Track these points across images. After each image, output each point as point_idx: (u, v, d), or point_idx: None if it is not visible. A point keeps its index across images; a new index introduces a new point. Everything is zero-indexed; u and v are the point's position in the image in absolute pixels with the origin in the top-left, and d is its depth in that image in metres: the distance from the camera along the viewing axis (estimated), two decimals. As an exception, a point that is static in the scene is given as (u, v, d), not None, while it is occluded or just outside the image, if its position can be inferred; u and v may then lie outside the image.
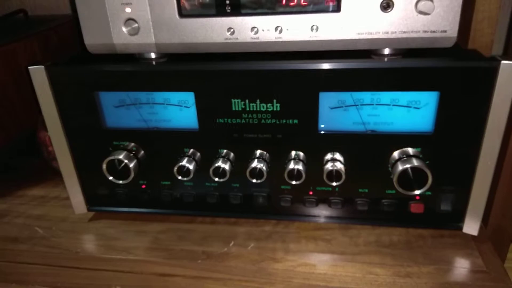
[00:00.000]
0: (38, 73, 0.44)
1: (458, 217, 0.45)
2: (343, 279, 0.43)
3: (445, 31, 0.38)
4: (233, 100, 0.43)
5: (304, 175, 0.44)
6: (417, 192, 0.42)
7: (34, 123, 0.61)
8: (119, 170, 0.46)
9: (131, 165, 0.46)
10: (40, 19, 0.78)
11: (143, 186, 0.50)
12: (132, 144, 0.47)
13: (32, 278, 0.50)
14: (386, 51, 0.41)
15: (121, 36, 0.42)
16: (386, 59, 0.41)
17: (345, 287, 0.43)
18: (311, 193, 0.47)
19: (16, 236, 0.51)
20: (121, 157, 0.46)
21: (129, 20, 0.41)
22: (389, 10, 0.38)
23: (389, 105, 0.41)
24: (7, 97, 0.61)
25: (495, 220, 0.47)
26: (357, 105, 0.42)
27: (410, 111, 0.41)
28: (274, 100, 0.42)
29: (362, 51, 0.41)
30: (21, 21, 0.78)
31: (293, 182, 0.44)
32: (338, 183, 0.43)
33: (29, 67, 0.43)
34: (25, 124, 0.64)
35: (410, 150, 0.42)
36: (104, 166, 0.46)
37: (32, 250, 0.49)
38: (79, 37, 0.44)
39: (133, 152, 0.47)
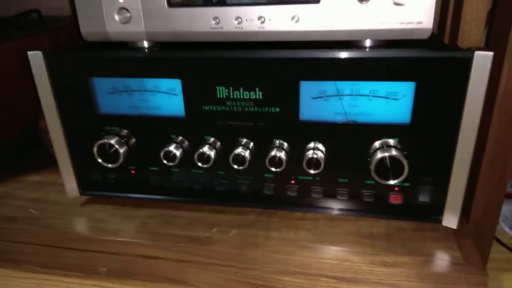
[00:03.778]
0: (36, 59, 0.46)
1: (437, 209, 0.45)
2: (320, 266, 0.44)
3: (420, 22, 0.39)
4: (217, 88, 0.44)
5: (284, 163, 0.45)
6: (392, 181, 0.42)
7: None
8: (109, 154, 0.48)
9: (121, 149, 0.48)
10: (52, 18, 0.83)
11: (133, 172, 0.52)
12: (123, 129, 0.49)
13: (26, 257, 0.53)
14: (367, 42, 0.43)
15: (114, 24, 0.44)
16: (367, 50, 0.42)
17: (321, 274, 0.44)
18: (292, 182, 0.48)
19: (13, 216, 0.54)
20: (111, 141, 0.48)
21: (122, 9, 0.43)
22: (365, 2, 0.39)
23: (368, 96, 0.42)
24: (16, 88, 0.64)
25: (476, 215, 0.47)
26: (337, 95, 0.43)
27: (389, 102, 0.42)
28: (257, 88, 0.44)
29: (347, 43, 0.42)
30: (35, 20, 0.82)
31: (274, 169, 0.45)
32: (317, 171, 0.44)
33: (28, 52, 0.46)
34: (31, 116, 0.67)
35: (388, 141, 0.43)
36: (95, 149, 0.48)
37: (26, 229, 0.51)
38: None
39: (124, 137, 0.49)
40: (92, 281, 0.51)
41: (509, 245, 0.58)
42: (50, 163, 0.64)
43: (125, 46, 0.48)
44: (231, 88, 0.44)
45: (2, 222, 0.53)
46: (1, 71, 0.62)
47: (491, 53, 0.37)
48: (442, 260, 0.43)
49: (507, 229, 0.59)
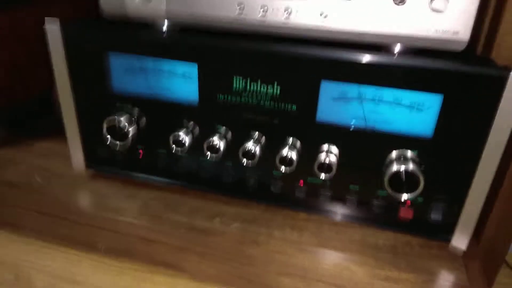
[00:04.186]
0: (53, 27, 0.45)
1: (448, 228, 0.43)
2: (320, 271, 0.43)
3: (457, 33, 0.36)
4: (235, 77, 0.43)
5: (295, 163, 0.43)
6: (405, 196, 0.41)
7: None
8: (118, 131, 0.47)
9: (130, 128, 0.47)
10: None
11: (140, 152, 0.51)
12: (134, 108, 0.48)
13: (25, 223, 0.52)
14: (397, 48, 0.40)
15: (135, 2, 0.42)
16: (395, 56, 0.40)
17: (320, 279, 0.43)
18: (301, 183, 0.46)
19: (16, 181, 0.53)
20: (121, 118, 0.47)
21: (144, -14, 0.42)
22: (402, 4, 0.37)
23: (391, 103, 0.40)
24: (35, 54, 0.63)
25: (488, 238, 0.45)
26: (359, 99, 0.41)
27: (412, 112, 0.40)
28: (275, 83, 0.42)
29: (374, 46, 0.40)
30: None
31: (283, 168, 0.44)
32: (327, 175, 0.42)
33: (46, 18, 0.44)
34: (47, 82, 0.66)
35: (406, 152, 0.41)
36: (104, 125, 0.47)
37: (28, 196, 0.51)
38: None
39: (134, 116, 0.47)
40: (90, 255, 0.51)
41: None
42: (62, 132, 0.64)
43: (144, 26, 0.46)
44: (248, 79, 0.42)
45: (6, 186, 0.53)
46: (21, 35, 0.61)
47: (529, 74, 0.35)
48: (446, 281, 0.42)
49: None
